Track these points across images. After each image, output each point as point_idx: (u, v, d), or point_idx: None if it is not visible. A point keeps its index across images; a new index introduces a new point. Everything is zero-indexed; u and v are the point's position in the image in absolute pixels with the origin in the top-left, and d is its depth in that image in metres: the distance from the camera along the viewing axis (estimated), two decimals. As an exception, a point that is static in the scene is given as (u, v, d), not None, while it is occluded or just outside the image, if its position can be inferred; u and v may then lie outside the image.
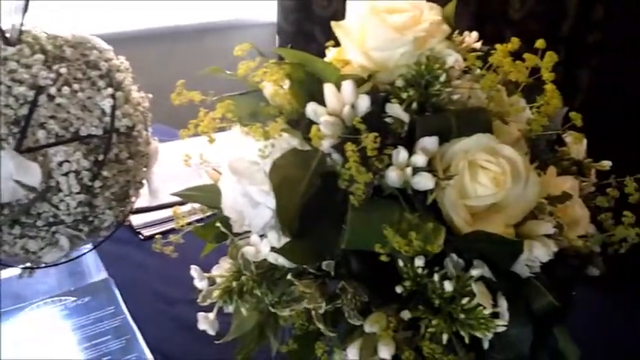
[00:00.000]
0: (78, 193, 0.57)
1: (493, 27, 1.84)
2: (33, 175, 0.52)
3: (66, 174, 0.56)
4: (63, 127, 0.56)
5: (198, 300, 0.60)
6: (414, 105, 0.56)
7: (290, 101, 0.58)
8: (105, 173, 0.58)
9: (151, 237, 0.92)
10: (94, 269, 0.92)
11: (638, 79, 1.67)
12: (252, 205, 0.58)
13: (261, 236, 0.58)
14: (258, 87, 0.60)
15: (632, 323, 0.60)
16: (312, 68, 0.58)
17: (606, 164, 0.68)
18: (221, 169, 0.63)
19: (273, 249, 0.56)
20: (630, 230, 0.60)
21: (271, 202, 0.54)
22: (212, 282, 0.61)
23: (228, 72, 0.60)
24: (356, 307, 0.54)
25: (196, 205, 0.67)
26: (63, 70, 0.57)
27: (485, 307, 0.52)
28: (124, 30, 1.69)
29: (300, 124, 0.57)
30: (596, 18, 1.76)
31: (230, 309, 0.60)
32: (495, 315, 0.53)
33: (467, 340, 0.53)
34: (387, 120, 0.57)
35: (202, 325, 0.60)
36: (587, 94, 1.79)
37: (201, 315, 0.60)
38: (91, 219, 0.59)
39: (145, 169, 0.64)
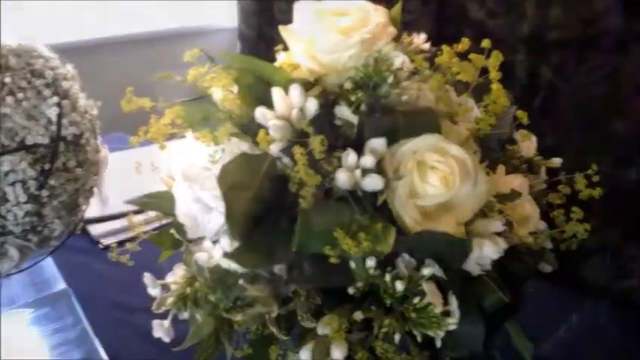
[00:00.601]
0: (25, 202, 0.56)
1: (454, 27, 1.85)
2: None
3: (12, 184, 0.55)
4: (8, 137, 0.55)
5: (153, 307, 0.59)
6: (363, 107, 0.56)
7: (239, 106, 0.58)
8: (52, 182, 0.57)
9: (110, 246, 0.91)
10: (54, 279, 0.91)
11: (597, 75, 1.69)
12: (205, 211, 0.58)
13: (215, 242, 0.58)
14: (207, 92, 0.59)
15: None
16: (261, 72, 0.58)
17: (557, 161, 0.69)
18: (175, 175, 0.62)
19: (225, 254, 0.56)
20: (579, 226, 0.61)
21: (223, 206, 0.53)
22: (167, 289, 0.61)
23: (178, 77, 0.60)
24: (309, 309, 0.54)
25: (152, 213, 0.67)
26: (7, 80, 0.56)
27: (436, 306, 0.52)
28: (85, 38, 1.67)
29: (251, 129, 0.57)
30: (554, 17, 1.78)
31: (185, 315, 0.60)
32: (447, 313, 0.53)
33: (419, 339, 0.53)
34: (337, 122, 0.57)
35: (157, 333, 0.60)
36: (548, 91, 1.82)
37: (156, 322, 0.60)
38: (39, 229, 0.58)
39: (94, 177, 0.64)
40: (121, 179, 0.68)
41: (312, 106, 0.54)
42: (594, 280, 0.68)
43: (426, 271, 0.53)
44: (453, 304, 0.53)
